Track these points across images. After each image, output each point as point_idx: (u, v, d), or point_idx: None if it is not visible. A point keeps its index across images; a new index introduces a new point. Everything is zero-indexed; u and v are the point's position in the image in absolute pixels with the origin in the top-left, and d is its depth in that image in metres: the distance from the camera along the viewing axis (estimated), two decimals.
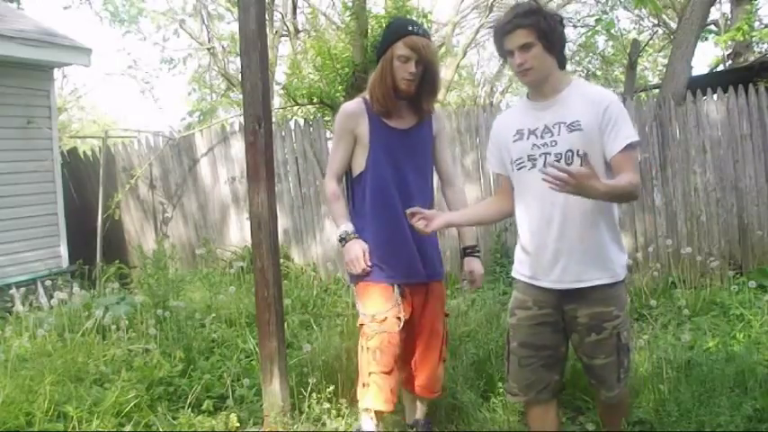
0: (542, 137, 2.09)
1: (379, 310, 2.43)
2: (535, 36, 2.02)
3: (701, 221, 5.85)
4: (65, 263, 6.30)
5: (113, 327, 3.74)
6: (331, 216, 2.51)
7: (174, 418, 2.89)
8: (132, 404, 2.88)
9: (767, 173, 5.80)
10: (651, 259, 5.59)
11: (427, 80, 2.40)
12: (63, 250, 6.32)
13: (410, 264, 2.47)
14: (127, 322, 3.83)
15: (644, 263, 5.66)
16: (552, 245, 2.07)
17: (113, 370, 3.23)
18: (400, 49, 2.34)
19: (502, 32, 2.08)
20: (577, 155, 2.00)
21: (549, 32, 2.04)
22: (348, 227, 2.47)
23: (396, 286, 2.45)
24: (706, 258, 5.31)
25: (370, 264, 2.42)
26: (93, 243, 6.64)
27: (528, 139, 2.11)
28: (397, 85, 2.38)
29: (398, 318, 2.43)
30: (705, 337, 3.77)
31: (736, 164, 5.83)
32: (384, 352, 2.41)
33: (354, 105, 2.49)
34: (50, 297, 4.61)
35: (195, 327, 3.88)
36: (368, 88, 2.47)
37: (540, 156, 2.07)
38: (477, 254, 2.62)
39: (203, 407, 2.99)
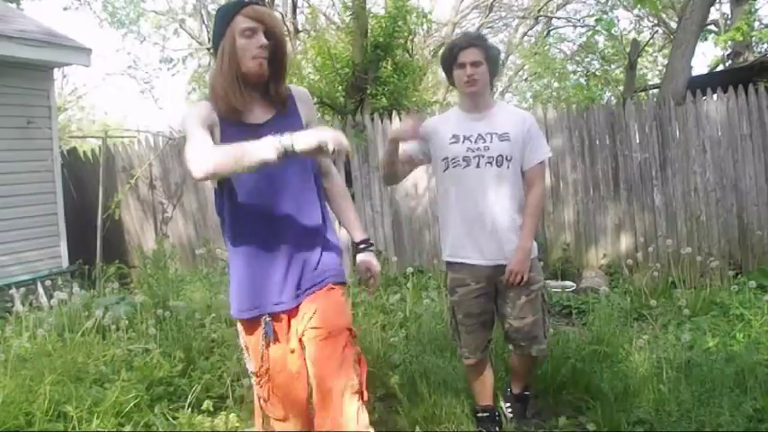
0: (476, 142, 2.57)
1: (257, 360, 1.97)
2: (484, 57, 2.55)
3: (701, 221, 5.85)
4: (65, 263, 6.30)
5: (113, 327, 3.74)
6: (236, 157, 1.72)
7: (174, 418, 2.89)
8: (132, 404, 2.88)
9: (767, 173, 5.81)
10: (651, 259, 5.59)
11: (277, 59, 1.90)
12: (63, 250, 6.32)
13: (286, 287, 1.92)
14: (127, 322, 3.83)
15: (644, 263, 5.66)
16: (489, 229, 2.55)
17: (113, 370, 3.23)
18: (242, 22, 1.85)
19: (459, 47, 2.56)
20: (506, 159, 2.55)
21: (493, 59, 2.61)
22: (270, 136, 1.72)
23: (264, 321, 1.92)
24: (706, 258, 5.31)
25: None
26: (93, 243, 6.64)
27: (463, 143, 2.58)
28: (247, 70, 1.85)
29: (276, 365, 1.95)
30: (705, 337, 3.77)
31: (736, 164, 5.83)
32: (273, 403, 1.98)
33: (201, 104, 1.96)
34: (50, 297, 4.61)
35: (195, 327, 3.88)
36: (209, 89, 1.97)
37: (474, 157, 2.56)
38: (371, 248, 2.18)
39: (203, 407, 2.99)
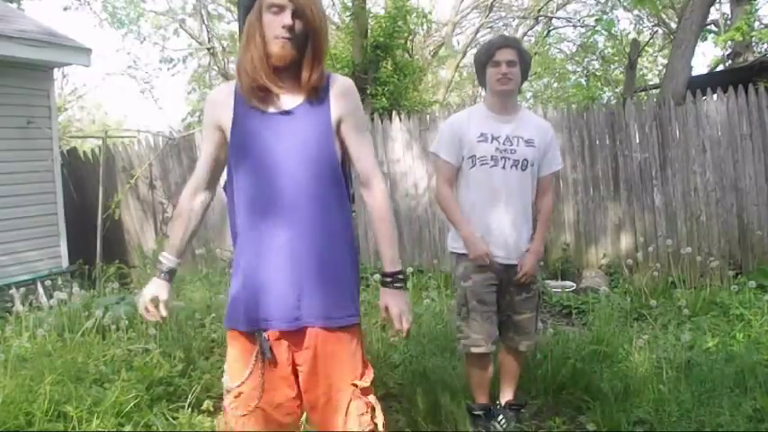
0: (504, 144, 2.65)
1: (235, 377, 1.75)
2: (518, 59, 2.64)
3: (701, 221, 5.85)
4: (65, 263, 6.30)
5: (113, 327, 3.74)
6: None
7: (174, 418, 2.89)
8: (132, 404, 2.88)
9: (767, 173, 5.80)
10: (651, 259, 5.60)
11: (310, 41, 1.70)
12: (63, 250, 6.32)
13: (280, 301, 1.69)
14: (127, 322, 3.83)
15: (644, 263, 5.66)
16: (508, 230, 2.64)
17: (113, 370, 3.23)
18: None
19: (497, 46, 2.66)
20: (530, 164, 2.65)
21: (526, 62, 2.72)
22: (163, 258, 1.88)
23: (260, 336, 1.70)
24: (706, 258, 5.31)
25: (164, 315, 1.86)
26: (93, 243, 6.64)
27: (491, 142, 2.65)
28: (270, 50, 1.67)
29: (257, 389, 1.72)
30: (705, 337, 3.77)
31: (736, 164, 5.83)
32: (244, 423, 1.74)
33: (220, 88, 1.85)
34: (50, 297, 4.60)
35: (195, 327, 3.88)
36: (237, 62, 1.80)
37: (501, 158, 2.64)
38: (397, 284, 1.80)
39: (203, 407, 2.99)
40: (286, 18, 1.65)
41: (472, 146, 2.65)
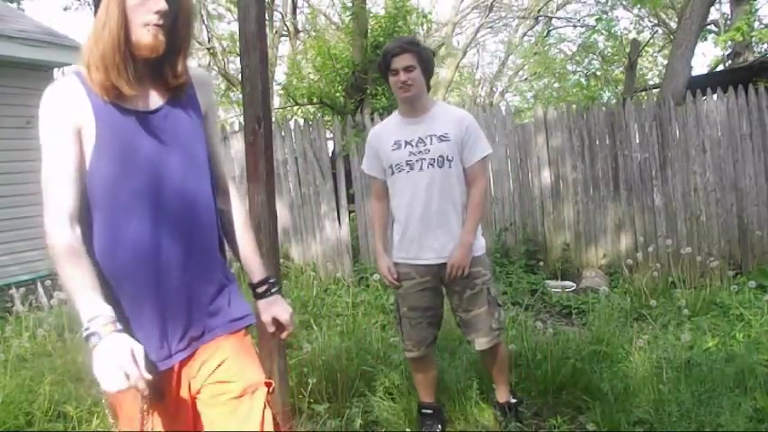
0: (417, 146, 2.63)
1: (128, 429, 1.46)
2: (416, 61, 2.58)
3: (701, 221, 5.85)
4: None
5: None
6: (65, 289, 1.45)
7: None
8: None
9: (767, 173, 5.81)
10: (651, 259, 5.59)
11: (180, 28, 1.44)
12: None
13: (163, 333, 1.45)
14: None
15: (644, 263, 5.66)
16: (433, 229, 2.61)
17: None
18: None
19: (392, 54, 2.60)
20: (447, 159, 2.60)
21: (426, 61, 2.64)
22: (97, 308, 1.31)
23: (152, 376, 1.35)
24: (706, 258, 5.31)
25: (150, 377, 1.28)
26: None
27: (405, 148, 2.64)
28: (137, 40, 1.39)
29: None
30: (705, 337, 3.78)
31: (736, 164, 5.83)
32: None
33: (66, 85, 1.42)
34: (50, 297, 4.60)
35: None
36: (83, 54, 1.42)
37: (416, 161, 2.62)
38: (274, 291, 1.69)
39: None
40: (160, 2, 1.38)
41: (388, 155, 2.68)
